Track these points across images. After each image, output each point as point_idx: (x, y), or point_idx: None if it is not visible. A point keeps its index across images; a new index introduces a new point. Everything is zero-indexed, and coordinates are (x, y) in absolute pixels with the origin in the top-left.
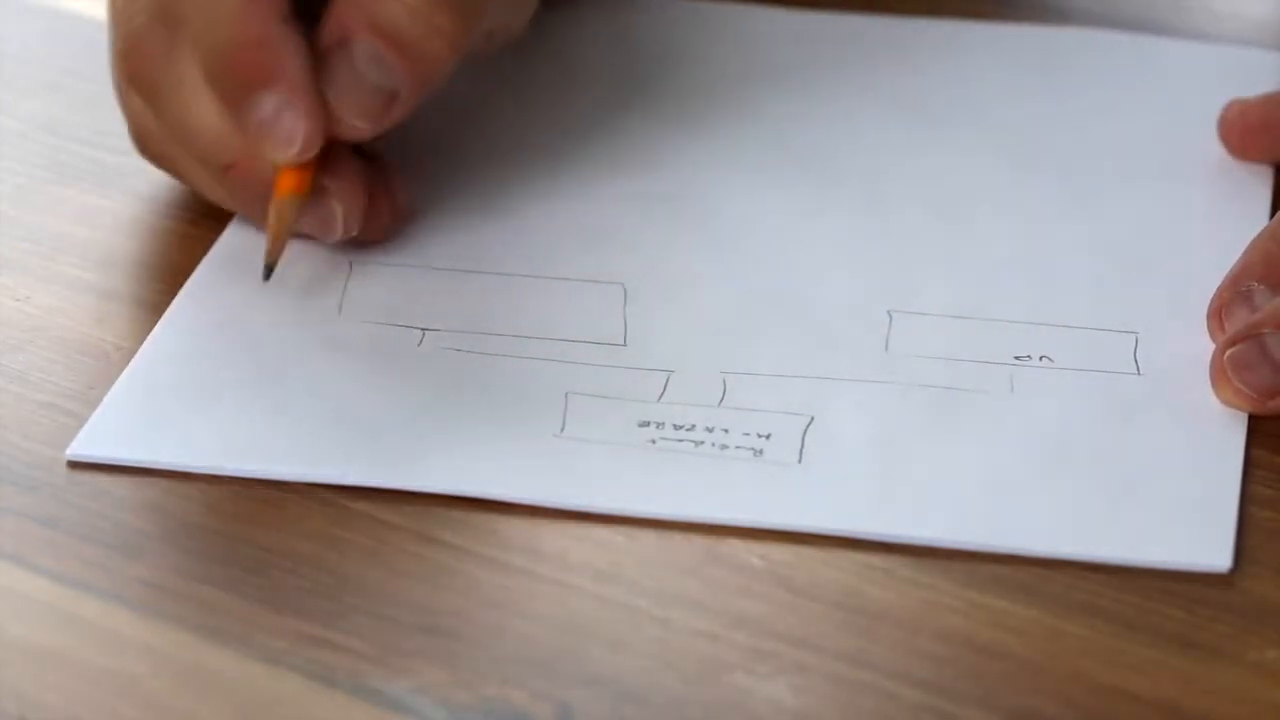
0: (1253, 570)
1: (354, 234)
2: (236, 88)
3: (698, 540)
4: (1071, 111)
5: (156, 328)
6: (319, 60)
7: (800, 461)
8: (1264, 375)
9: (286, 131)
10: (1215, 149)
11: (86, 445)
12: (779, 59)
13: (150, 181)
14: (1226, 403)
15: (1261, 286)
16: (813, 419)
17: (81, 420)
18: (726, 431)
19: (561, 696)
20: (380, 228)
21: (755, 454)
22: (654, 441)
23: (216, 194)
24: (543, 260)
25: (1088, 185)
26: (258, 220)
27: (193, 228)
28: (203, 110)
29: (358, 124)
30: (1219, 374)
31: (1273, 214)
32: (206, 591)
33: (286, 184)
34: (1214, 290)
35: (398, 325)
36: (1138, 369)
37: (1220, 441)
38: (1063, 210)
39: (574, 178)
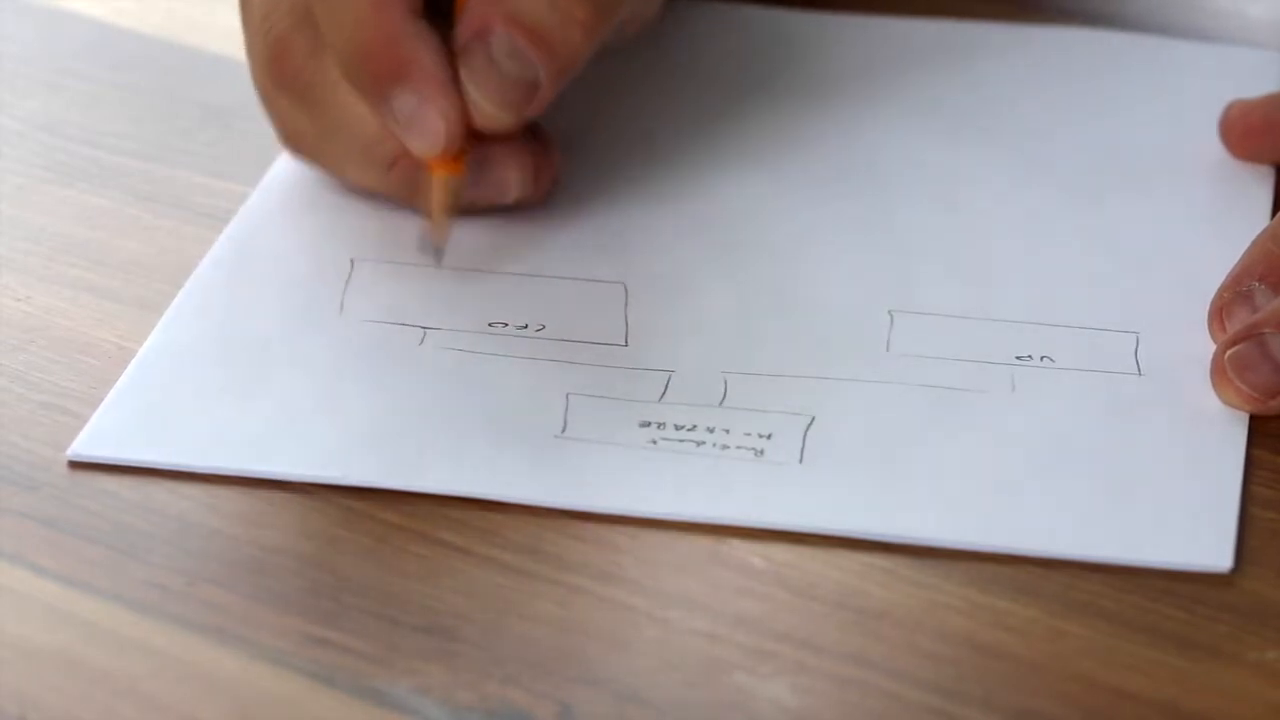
0: (1253, 570)
1: (525, 195)
2: (373, 87)
3: (698, 540)
4: (1072, 111)
5: (156, 328)
6: (458, 54)
7: (801, 461)
8: (1265, 375)
9: (429, 126)
10: (1216, 149)
11: (87, 445)
12: (779, 59)
13: (150, 181)
14: (1227, 403)
15: (1262, 286)
16: (813, 419)
17: (82, 420)
18: (727, 431)
19: (561, 696)
20: (541, 190)
21: (756, 454)
22: (655, 442)
23: (380, 189)
24: (544, 260)
25: (1088, 185)
26: (422, 211)
27: (193, 228)
28: (359, 111)
29: (500, 115)
30: (1220, 374)
31: (1273, 214)
32: (207, 591)
33: (439, 168)
34: (1215, 290)
35: (398, 324)
36: (1138, 369)
37: (1221, 441)
38: (1063, 210)
39: (574, 177)
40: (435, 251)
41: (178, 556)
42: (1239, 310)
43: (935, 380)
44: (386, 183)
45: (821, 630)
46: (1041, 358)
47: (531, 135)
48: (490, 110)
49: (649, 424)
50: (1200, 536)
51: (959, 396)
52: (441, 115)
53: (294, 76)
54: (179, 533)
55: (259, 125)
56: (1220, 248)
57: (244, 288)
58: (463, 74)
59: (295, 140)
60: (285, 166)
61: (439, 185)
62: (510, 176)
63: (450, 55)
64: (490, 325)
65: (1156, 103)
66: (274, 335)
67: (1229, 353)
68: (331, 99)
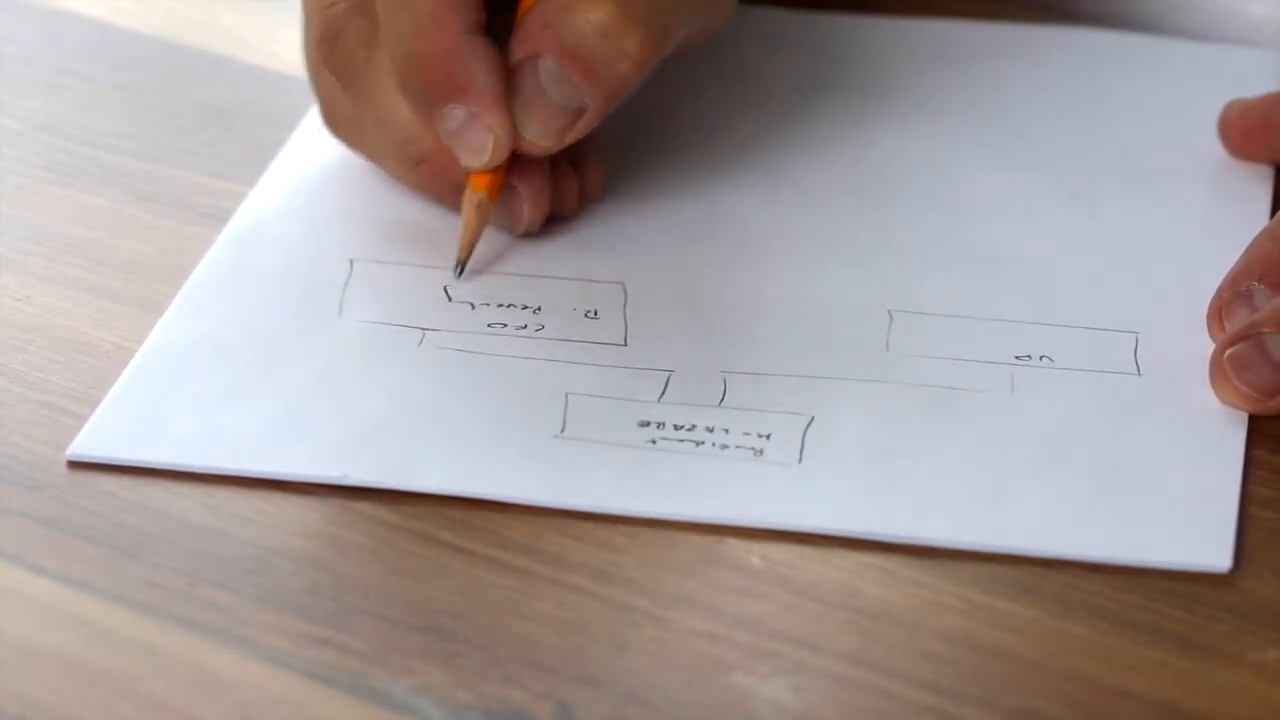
0: (1253, 570)
1: (537, 229)
2: (424, 97)
3: (698, 540)
4: (1072, 111)
5: (156, 328)
6: (508, 73)
7: (800, 461)
8: (1264, 375)
9: (477, 142)
10: (1215, 149)
11: (86, 445)
12: (780, 60)
13: (150, 181)
14: (1226, 402)
15: (1261, 286)
16: (813, 419)
17: (81, 420)
18: (727, 431)
19: (561, 696)
20: (569, 206)
21: (755, 454)
22: (654, 441)
23: (406, 181)
24: (543, 259)
25: (1088, 185)
26: (446, 206)
27: (193, 228)
28: (398, 107)
29: (540, 141)
30: (1219, 374)
31: (1273, 214)
32: (206, 591)
33: (479, 185)
34: (1214, 290)
35: (398, 325)
36: (1138, 369)
37: (1220, 441)
38: (1063, 210)
39: None
40: (457, 264)
41: (178, 556)
42: (1238, 310)
43: (935, 380)
44: (414, 178)
45: (821, 630)
46: (1041, 357)
47: (564, 156)
48: (532, 136)
49: (648, 424)
50: (1200, 536)
51: (958, 396)
52: (490, 131)
53: (343, 61)
54: (179, 533)
55: (259, 125)
56: (1219, 247)
57: (243, 288)
58: (510, 95)
59: (334, 121)
60: (284, 166)
61: (470, 203)
62: (524, 210)
63: (505, 72)
64: (489, 325)
65: (1156, 102)
66: (273, 335)
67: (1228, 352)
68: (374, 90)
